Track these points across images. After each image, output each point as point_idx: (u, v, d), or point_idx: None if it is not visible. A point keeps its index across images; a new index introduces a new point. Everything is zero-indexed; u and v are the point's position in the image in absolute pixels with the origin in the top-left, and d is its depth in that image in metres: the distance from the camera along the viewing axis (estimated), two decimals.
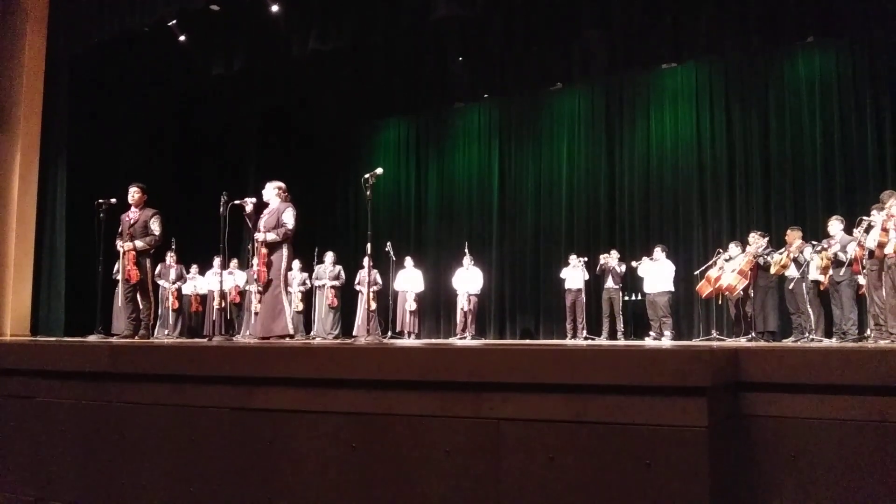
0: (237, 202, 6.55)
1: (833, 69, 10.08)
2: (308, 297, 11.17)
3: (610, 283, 10.39)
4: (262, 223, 6.35)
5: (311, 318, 11.16)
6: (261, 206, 6.52)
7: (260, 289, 6.63)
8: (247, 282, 10.97)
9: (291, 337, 6.24)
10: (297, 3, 9.79)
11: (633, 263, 10.25)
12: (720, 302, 9.71)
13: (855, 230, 7.32)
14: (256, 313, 7.55)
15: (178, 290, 11.02)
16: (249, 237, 7.28)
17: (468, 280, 11.20)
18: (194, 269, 11.22)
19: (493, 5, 9.43)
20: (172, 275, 10.87)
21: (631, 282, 10.61)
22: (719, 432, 2.38)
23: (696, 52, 10.90)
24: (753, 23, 10.18)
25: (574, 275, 10.65)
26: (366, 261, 7.29)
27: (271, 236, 6.24)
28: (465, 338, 10.90)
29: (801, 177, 10.14)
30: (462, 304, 11.18)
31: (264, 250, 6.22)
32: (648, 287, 10.10)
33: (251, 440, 3.06)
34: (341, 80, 12.26)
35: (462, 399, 2.63)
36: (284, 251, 6.27)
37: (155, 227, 6.87)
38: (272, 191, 6.47)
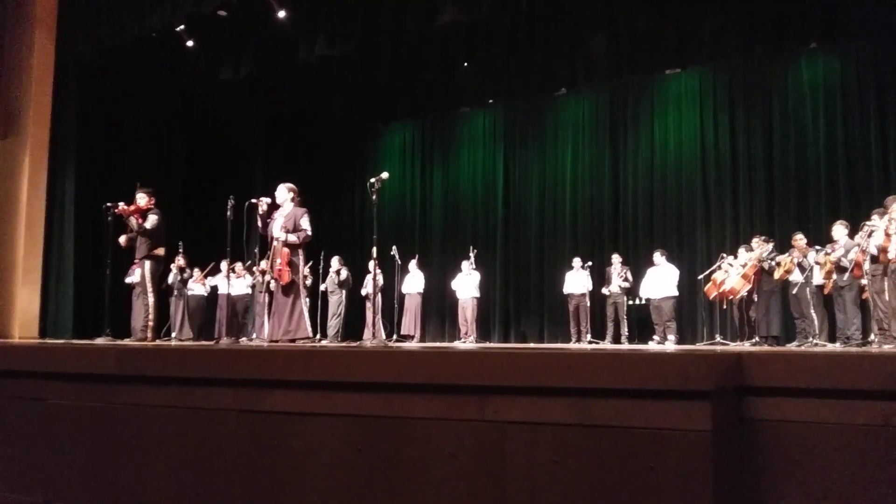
0: (253, 201, 6.60)
1: (836, 75, 10.08)
2: (315, 300, 11.21)
3: (614, 287, 10.40)
4: (277, 225, 6.38)
5: (318, 321, 11.19)
6: (273, 207, 6.57)
7: (272, 287, 6.70)
8: (252, 284, 11.01)
9: (311, 339, 6.32)
10: (305, 9, 9.85)
11: (642, 292, 10.29)
12: (724, 306, 9.70)
13: (857, 235, 7.32)
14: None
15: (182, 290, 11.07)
16: (258, 237, 7.33)
17: (468, 284, 11.22)
18: (197, 272, 11.27)
19: (499, 11, 9.47)
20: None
21: (635, 286, 10.61)
22: (723, 436, 2.38)
23: (700, 58, 10.93)
24: (757, 29, 10.21)
25: (577, 279, 10.67)
26: (371, 265, 7.32)
27: (292, 238, 6.30)
28: (467, 341, 10.93)
29: (804, 182, 10.13)
30: (463, 307, 11.22)
31: (286, 250, 6.27)
32: (653, 292, 10.10)
33: (257, 443, 3.07)
34: (348, 84, 12.31)
35: (467, 402, 2.65)
36: (301, 255, 6.38)
37: (147, 225, 6.96)
38: (286, 193, 6.50)
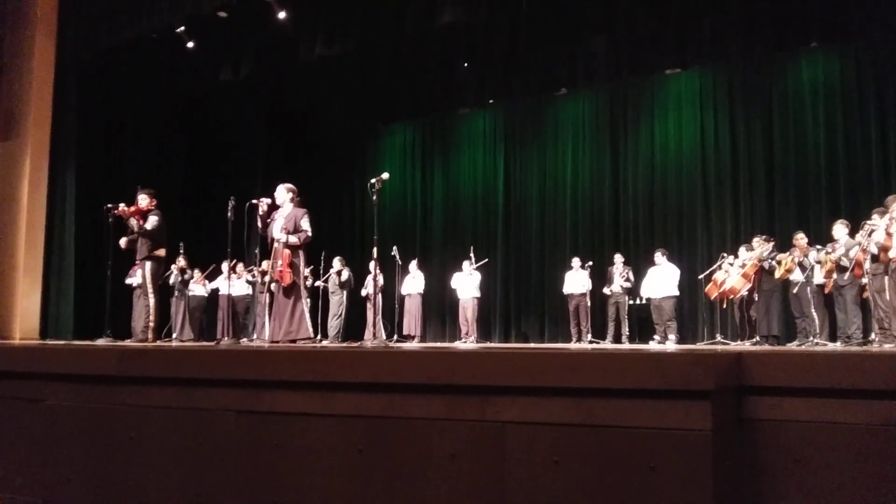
0: (253, 201, 6.61)
1: (836, 74, 10.09)
2: (315, 301, 11.21)
3: (616, 287, 10.41)
4: (278, 226, 6.38)
5: (318, 322, 11.20)
6: (273, 207, 6.58)
7: (273, 288, 6.71)
8: (252, 282, 11.01)
9: (312, 340, 6.32)
10: (304, 10, 9.85)
11: (643, 292, 10.29)
12: (724, 306, 9.71)
13: (857, 234, 7.33)
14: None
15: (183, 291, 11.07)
16: (258, 237, 7.33)
17: (469, 284, 11.23)
18: (197, 272, 11.27)
19: (499, 11, 9.48)
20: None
21: (636, 286, 10.62)
22: (723, 436, 2.38)
23: (701, 58, 10.94)
24: (757, 28, 10.21)
25: (577, 279, 10.67)
26: (372, 265, 7.32)
27: (293, 239, 6.30)
28: (467, 341, 10.93)
29: (804, 181, 10.14)
30: (464, 307, 11.22)
31: (287, 252, 6.28)
32: (654, 292, 10.10)
33: (258, 443, 3.07)
34: (348, 85, 12.33)
35: (467, 402, 2.65)
36: (302, 256, 6.39)
37: (148, 226, 6.96)
38: (285, 193, 6.51)
